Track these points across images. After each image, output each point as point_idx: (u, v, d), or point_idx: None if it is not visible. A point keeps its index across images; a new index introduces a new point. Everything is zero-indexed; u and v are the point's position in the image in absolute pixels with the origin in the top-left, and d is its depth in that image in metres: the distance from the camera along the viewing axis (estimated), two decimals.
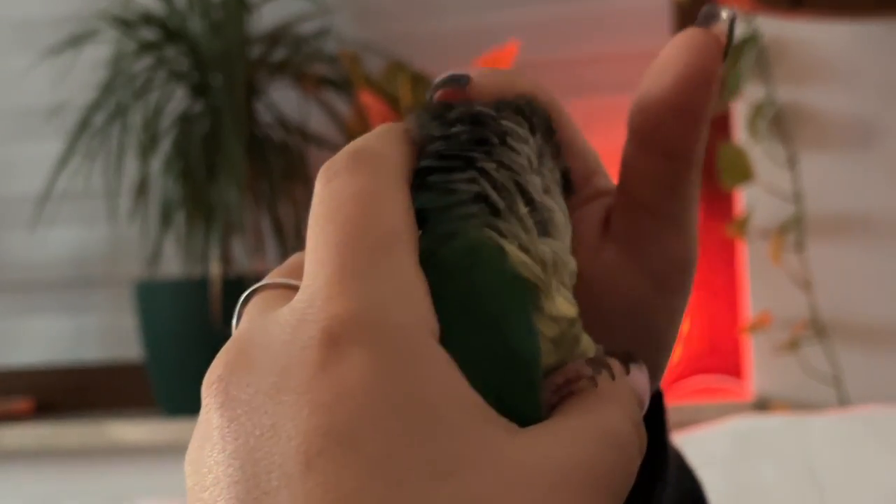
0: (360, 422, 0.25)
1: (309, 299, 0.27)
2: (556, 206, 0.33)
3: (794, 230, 1.64)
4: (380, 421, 0.25)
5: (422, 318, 0.27)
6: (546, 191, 0.33)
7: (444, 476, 0.25)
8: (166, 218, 1.80)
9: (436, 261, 0.29)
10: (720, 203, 1.77)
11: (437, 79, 0.33)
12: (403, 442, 0.25)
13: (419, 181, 0.31)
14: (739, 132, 1.68)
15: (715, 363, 1.80)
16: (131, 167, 1.79)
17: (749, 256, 1.68)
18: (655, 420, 0.38)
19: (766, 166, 1.64)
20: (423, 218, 0.30)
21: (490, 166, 0.31)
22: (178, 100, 1.84)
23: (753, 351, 1.69)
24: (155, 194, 1.81)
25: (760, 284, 1.68)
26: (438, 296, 0.29)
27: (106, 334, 2.04)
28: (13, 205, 2.03)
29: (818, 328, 1.63)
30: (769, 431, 0.86)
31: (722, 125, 1.73)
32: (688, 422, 1.26)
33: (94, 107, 1.80)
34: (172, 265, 1.82)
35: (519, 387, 0.29)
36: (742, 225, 1.65)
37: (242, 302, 0.32)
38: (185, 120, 1.83)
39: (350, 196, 0.29)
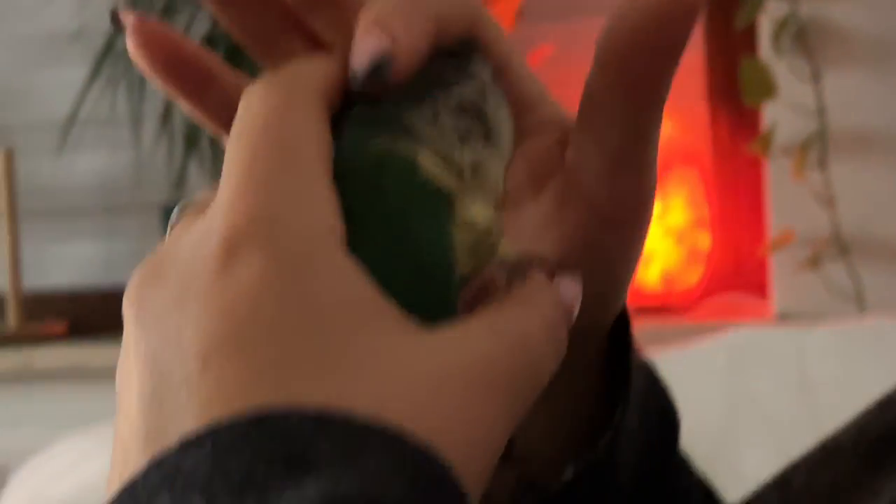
0: (252, 323, 0.26)
1: (213, 212, 0.28)
2: (505, 123, 0.33)
3: (816, 147, 1.62)
4: (272, 322, 0.26)
5: (324, 223, 0.28)
6: (497, 108, 0.33)
7: (330, 373, 0.26)
8: (191, 142, 1.81)
9: (346, 172, 0.30)
10: (743, 120, 1.76)
11: (355, 69, 0.31)
12: (293, 341, 0.26)
13: (366, 109, 0.31)
14: (763, 48, 1.66)
15: (737, 281, 1.79)
16: (155, 92, 1.80)
17: (771, 174, 1.67)
18: (620, 341, 0.38)
19: (790, 82, 1.62)
20: (343, 135, 0.31)
21: (438, 92, 0.32)
22: (202, 21, 1.85)
23: (775, 268, 1.68)
24: (179, 119, 1.82)
25: (783, 202, 1.67)
26: (349, 206, 0.29)
27: (135, 258, 2.05)
28: (39, 130, 2.05)
29: (840, 245, 1.62)
30: (766, 343, 0.87)
31: (746, 40, 1.71)
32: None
33: (118, 31, 1.80)
34: (198, 189, 1.84)
35: (430, 293, 0.29)
36: (765, 142, 1.64)
37: (172, 222, 0.32)
38: (208, 42, 1.83)
39: (260, 113, 0.29)
